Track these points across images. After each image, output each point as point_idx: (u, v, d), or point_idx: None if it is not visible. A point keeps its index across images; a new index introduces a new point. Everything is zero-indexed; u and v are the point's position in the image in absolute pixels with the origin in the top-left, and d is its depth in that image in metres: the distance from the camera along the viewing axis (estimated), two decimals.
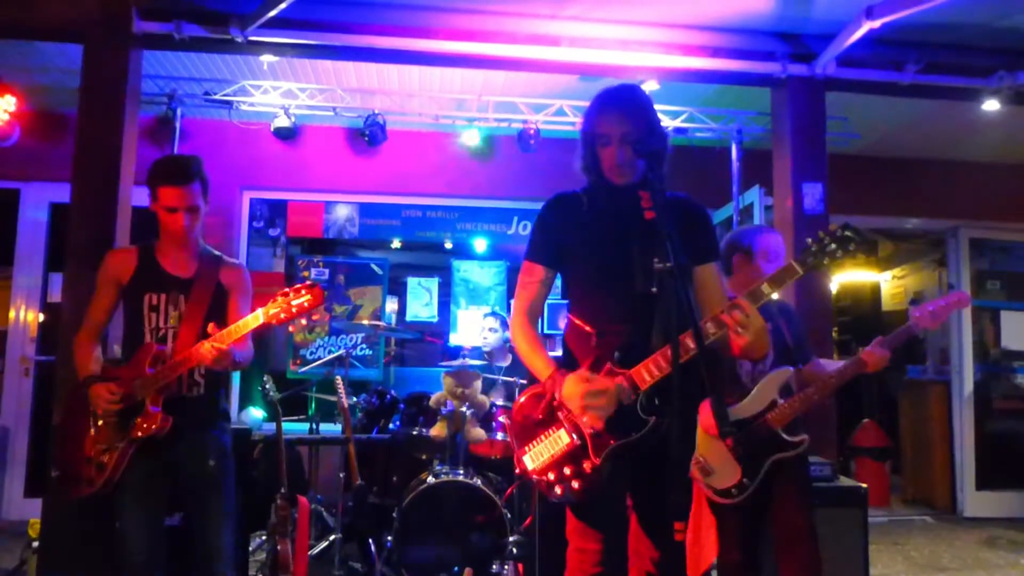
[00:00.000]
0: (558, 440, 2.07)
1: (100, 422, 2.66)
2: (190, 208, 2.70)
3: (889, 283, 8.81)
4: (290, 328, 5.45)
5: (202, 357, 2.55)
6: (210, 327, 2.61)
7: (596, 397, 1.95)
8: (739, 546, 2.83)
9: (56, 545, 3.39)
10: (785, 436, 2.81)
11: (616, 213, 2.17)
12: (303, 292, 2.60)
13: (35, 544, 3.48)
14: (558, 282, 2.33)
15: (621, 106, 2.16)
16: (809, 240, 2.02)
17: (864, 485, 3.52)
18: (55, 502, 3.47)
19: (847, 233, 1.98)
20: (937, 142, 6.13)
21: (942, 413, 6.57)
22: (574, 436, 2.04)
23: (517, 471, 2.13)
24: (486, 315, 5.40)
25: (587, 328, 2.15)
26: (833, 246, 1.98)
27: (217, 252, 2.92)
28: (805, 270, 1.99)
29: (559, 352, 2.37)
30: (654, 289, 2.00)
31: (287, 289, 2.62)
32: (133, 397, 2.62)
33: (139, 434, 2.58)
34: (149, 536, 2.63)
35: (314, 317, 2.71)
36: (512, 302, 2.31)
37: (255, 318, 2.60)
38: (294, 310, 2.58)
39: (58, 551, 3.39)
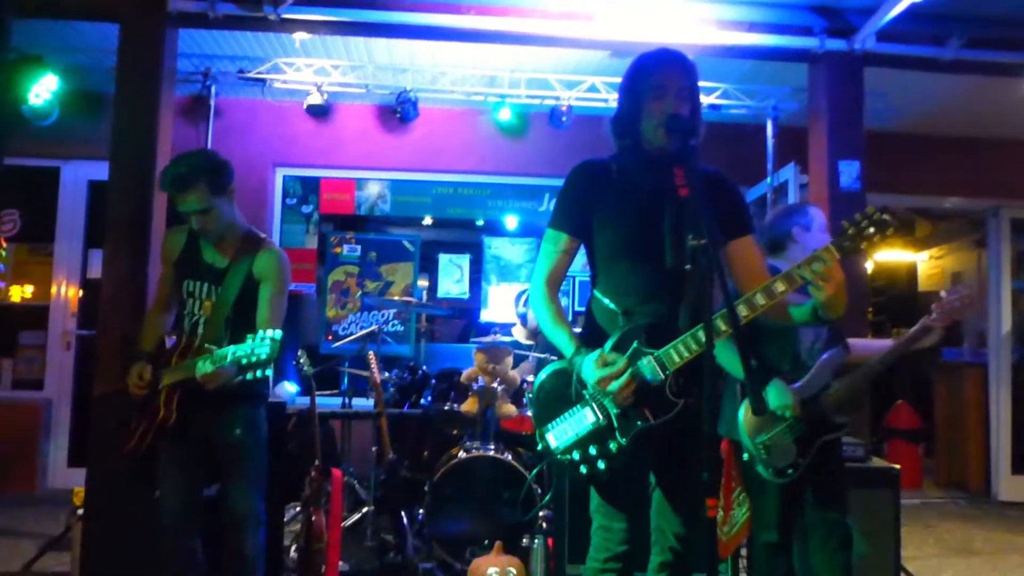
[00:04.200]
0: (583, 419, 2.03)
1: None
2: (201, 211, 2.70)
3: (926, 263, 8.62)
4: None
5: (198, 376, 2.55)
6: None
7: (609, 383, 1.93)
8: (777, 527, 2.81)
9: (100, 513, 3.50)
10: (834, 418, 2.80)
11: (649, 185, 2.09)
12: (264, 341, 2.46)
13: (79, 512, 3.58)
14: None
15: (682, 62, 2.11)
16: (845, 223, 1.91)
17: (897, 467, 3.48)
18: (98, 471, 3.58)
19: (885, 217, 1.87)
20: (979, 119, 5.98)
21: (978, 396, 6.47)
22: (600, 415, 2.01)
23: (540, 448, 2.09)
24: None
25: (613, 305, 2.09)
26: (871, 229, 1.87)
27: (261, 236, 2.91)
28: (842, 254, 1.88)
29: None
30: (688, 266, 1.90)
31: (254, 336, 2.48)
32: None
33: (157, 420, 2.70)
34: (182, 502, 2.78)
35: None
36: (533, 272, 2.22)
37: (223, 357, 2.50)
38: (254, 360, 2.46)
39: (102, 518, 3.50)
